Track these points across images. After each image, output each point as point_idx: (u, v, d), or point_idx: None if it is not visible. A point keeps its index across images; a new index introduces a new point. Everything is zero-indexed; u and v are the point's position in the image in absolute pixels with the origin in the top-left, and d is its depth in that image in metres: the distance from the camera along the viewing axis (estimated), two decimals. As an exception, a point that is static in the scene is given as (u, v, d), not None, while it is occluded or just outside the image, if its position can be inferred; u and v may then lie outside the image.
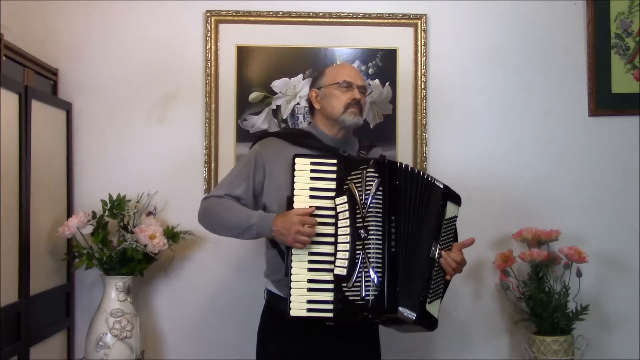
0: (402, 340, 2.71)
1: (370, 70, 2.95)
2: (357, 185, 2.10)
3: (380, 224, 2.07)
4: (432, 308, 2.16)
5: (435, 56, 2.98)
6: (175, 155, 2.92)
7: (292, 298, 2.08)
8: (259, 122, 2.93)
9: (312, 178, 2.15)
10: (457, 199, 2.28)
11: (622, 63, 2.99)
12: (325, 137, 2.33)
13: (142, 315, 2.80)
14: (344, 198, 2.10)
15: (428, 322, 2.15)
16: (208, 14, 2.93)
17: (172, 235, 2.74)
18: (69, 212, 2.81)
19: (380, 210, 2.08)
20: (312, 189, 2.14)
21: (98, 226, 2.68)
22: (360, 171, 2.12)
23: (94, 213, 2.72)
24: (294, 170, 2.14)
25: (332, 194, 2.13)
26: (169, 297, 2.90)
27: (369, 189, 2.09)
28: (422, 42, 2.95)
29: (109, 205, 2.70)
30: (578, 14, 3.01)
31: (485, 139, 2.99)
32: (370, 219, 2.07)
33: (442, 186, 2.23)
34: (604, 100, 2.98)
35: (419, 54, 2.96)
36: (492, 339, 2.96)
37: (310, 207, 2.12)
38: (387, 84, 2.96)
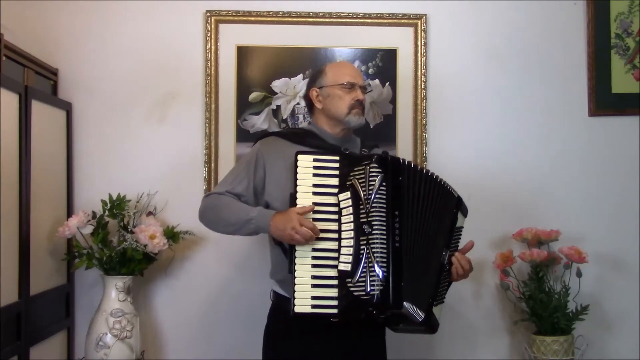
0: (403, 340, 2.71)
1: (370, 70, 2.95)
2: (360, 180, 2.11)
3: (384, 219, 2.08)
4: (437, 311, 2.17)
5: (435, 56, 2.98)
6: (175, 155, 2.92)
7: (296, 294, 2.07)
8: (259, 122, 2.93)
9: (314, 175, 2.15)
10: (465, 211, 2.31)
11: (622, 63, 2.99)
12: (327, 136, 2.34)
13: (142, 315, 2.80)
14: (347, 194, 2.11)
15: (432, 325, 2.17)
16: (208, 14, 2.93)
17: (172, 235, 2.74)
18: (69, 212, 2.81)
19: (384, 206, 2.09)
20: (315, 185, 2.15)
21: (98, 226, 2.68)
22: (363, 167, 2.13)
23: (94, 213, 2.72)
24: (296, 167, 2.15)
25: (335, 190, 2.13)
26: (169, 297, 2.90)
27: (372, 185, 2.09)
28: (422, 42, 2.95)
29: (109, 205, 2.70)
30: (578, 14, 3.01)
31: (485, 139, 2.99)
32: (374, 214, 2.07)
33: (456, 195, 2.26)
34: (604, 100, 2.98)
35: (419, 54, 2.96)
36: (492, 339, 2.96)
37: (312, 204, 2.11)
38: (387, 84, 2.96)
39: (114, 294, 2.64)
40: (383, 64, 2.96)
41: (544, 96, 3.00)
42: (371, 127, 2.95)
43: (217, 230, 2.33)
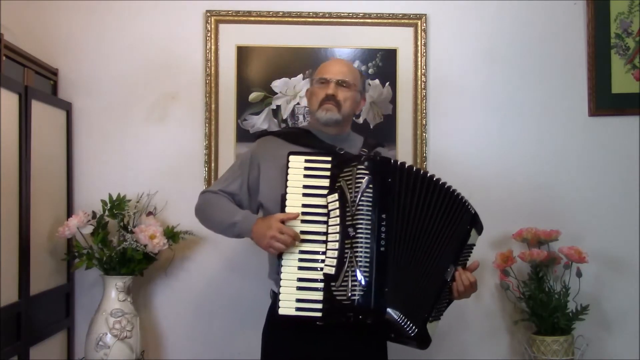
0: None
1: (370, 70, 2.95)
2: (348, 182, 2.07)
3: (369, 222, 2.03)
4: (431, 328, 2.12)
5: (435, 56, 2.98)
6: (175, 155, 2.92)
7: (281, 296, 2.06)
8: (259, 122, 2.93)
9: (305, 176, 2.12)
10: (480, 229, 2.24)
11: (622, 63, 2.99)
12: (322, 135, 2.32)
13: (142, 315, 2.80)
14: (335, 196, 2.06)
15: (424, 340, 2.11)
16: (208, 14, 2.93)
17: (172, 235, 2.74)
18: (69, 212, 2.81)
19: (370, 208, 2.03)
20: (305, 186, 2.11)
21: (98, 226, 2.68)
22: (351, 168, 2.08)
23: (94, 213, 2.72)
24: (288, 167, 2.12)
25: (326, 191, 2.09)
26: (169, 297, 2.90)
27: (359, 187, 2.04)
28: (422, 42, 2.95)
29: (109, 205, 2.70)
30: (578, 14, 3.01)
31: (485, 139, 2.99)
32: (359, 217, 2.03)
33: (472, 212, 2.20)
34: (604, 100, 2.98)
35: (419, 54, 2.95)
36: (492, 339, 2.96)
37: (297, 212, 2.08)
38: (387, 84, 2.96)
39: (114, 294, 2.64)
40: (383, 64, 2.96)
41: (544, 96, 3.00)
42: (371, 127, 2.95)
43: (208, 228, 2.34)
